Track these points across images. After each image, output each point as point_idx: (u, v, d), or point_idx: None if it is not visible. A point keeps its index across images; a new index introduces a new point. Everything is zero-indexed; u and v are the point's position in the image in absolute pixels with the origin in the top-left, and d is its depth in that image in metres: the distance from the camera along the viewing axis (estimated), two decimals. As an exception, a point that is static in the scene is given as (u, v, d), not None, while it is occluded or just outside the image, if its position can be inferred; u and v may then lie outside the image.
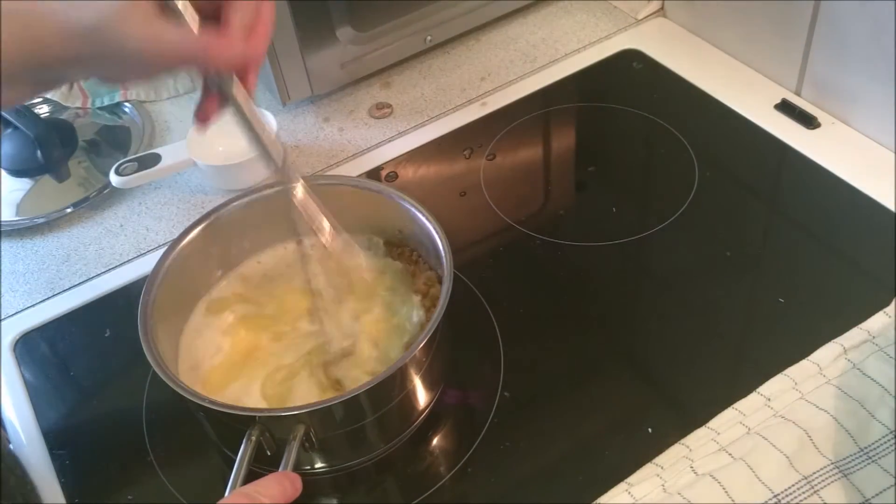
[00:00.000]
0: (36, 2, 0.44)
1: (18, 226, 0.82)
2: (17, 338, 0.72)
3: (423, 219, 0.62)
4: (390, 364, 0.54)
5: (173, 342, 0.62)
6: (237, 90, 0.51)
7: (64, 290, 0.76)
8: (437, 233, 0.61)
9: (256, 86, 0.52)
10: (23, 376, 0.69)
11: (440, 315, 0.55)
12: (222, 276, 0.66)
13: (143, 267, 0.76)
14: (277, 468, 0.51)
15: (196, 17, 0.48)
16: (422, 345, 0.54)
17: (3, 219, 0.82)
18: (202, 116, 0.52)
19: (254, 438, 0.52)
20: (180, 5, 0.47)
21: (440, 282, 0.63)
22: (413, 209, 0.63)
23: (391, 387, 0.56)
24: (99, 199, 0.84)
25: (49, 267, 0.78)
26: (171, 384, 0.53)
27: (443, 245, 0.60)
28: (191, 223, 0.64)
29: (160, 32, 0.46)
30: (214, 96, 0.51)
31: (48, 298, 0.75)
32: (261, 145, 0.54)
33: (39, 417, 0.66)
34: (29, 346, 0.72)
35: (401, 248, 0.67)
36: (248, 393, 0.59)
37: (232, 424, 0.54)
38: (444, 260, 0.59)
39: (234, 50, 0.48)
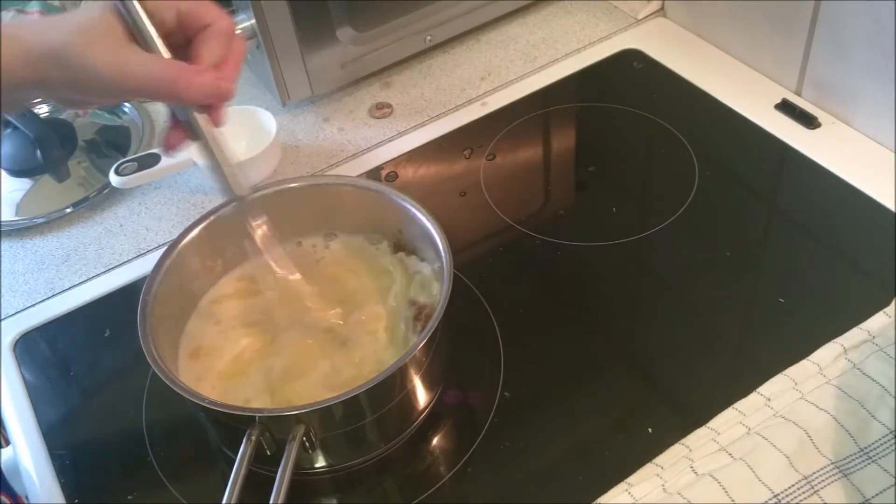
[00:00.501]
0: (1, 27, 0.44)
1: (18, 226, 0.82)
2: (17, 338, 0.72)
3: (423, 219, 0.62)
4: (386, 365, 0.54)
5: (173, 342, 0.62)
6: (205, 123, 0.50)
7: (64, 290, 0.76)
8: (437, 233, 0.61)
9: (225, 121, 0.52)
10: (23, 376, 0.69)
11: (440, 315, 0.55)
12: (222, 275, 0.66)
13: (143, 267, 0.76)
14: (277, 468, 0.51)
15: (164, 47, 0.48)
16: (422, 345, 0.54)
17: (3, 219, 0.82)
18: (168, 145, 0.52)
19: (254, 438, 0.52)
20: (152, 32, 0.47)
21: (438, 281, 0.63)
22: (413, 209, 0.63)
23: (391, 387, 0.56)
24: (99, 199, 0.84)
25: (49, 267, 0.78)
26: (171, 384, 0.53)
27: (443, 245, 0.60)
28: (191, 223, 0.64)
29: (127, 60, 0.46)
30: (180, 126, 0.51)
31: (48, 298, 0.75)
32: (223, 180, 0.54)
33: (39, 417, 0.66)
34: (29, 346, 0.72)
35: (400, 248, 0.67)
36: (248, 391, 0.59)
37: (232, 424, 0.54)
38: (444, 260, 0.59)
39: (204, 83, 0.48)
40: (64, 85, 0.46)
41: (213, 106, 0.50)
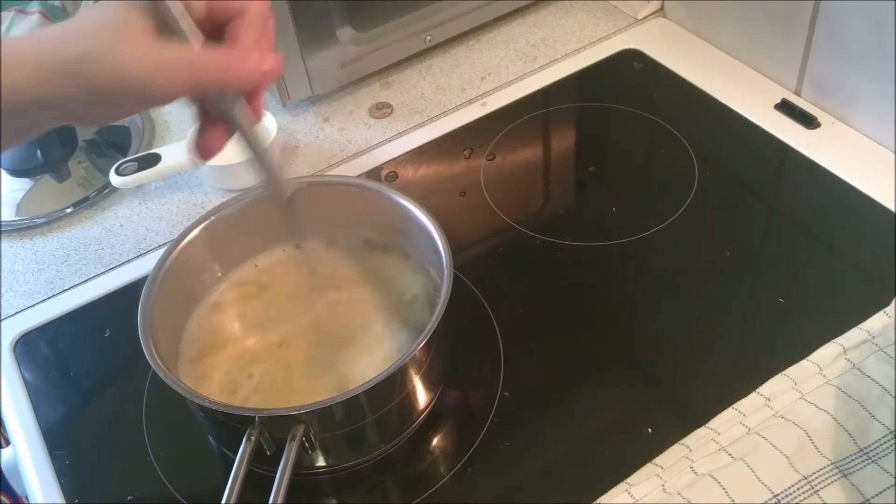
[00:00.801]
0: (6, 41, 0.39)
1: (18, 226, 0.82)
2: (17, 338, 0.72)
3: (424, 219, 0.62)
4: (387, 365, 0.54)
5: (173, 342, 0.62)
6: (243, 113, 0.46)
7: (64, 290, 0.76)
8: (437, 233, 0.61)
9: (264, 111, 0.48)
10: (23, 376, 0.69)
11: (440, 315, 0.55)
12: (222, 275, 0.66)
13: (143, 267, 0.76)
14: (277, 468, 0.51)
15: (199, 34, 0.44)
16: (422, 345, 0.54)
17: (3, 219, 0.82)
18: (206, 149, 0.47)
19: (253, 438, 0.52)
20: (182, 23, 0.42)
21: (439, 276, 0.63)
22: (413, 209, 0.63)
23: (391, 387, 0.56)
24: (99, 199, 0.84)
25: (49, 267, 0.78)
26: (171, 384, 0.53)
27: (443, 245, 0.60)
28: (191, 223, 0.64)
29: (164, 54, 0.41)
30: (218, 124, 0.46)
31: (48, 298, 0.75)
32: (265, 172, 0.51)
33: (39, 417, 0.66)
34: (29, 346, 0.72)
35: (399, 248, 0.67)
36: (249, 391, 0.59)
37: (231, 424, 0.54)
38: (444, 260, 0.59)
39: (257, 66, 0.43)
40: (88, 101, 0.40)
41: (253, 93, 0.46)
